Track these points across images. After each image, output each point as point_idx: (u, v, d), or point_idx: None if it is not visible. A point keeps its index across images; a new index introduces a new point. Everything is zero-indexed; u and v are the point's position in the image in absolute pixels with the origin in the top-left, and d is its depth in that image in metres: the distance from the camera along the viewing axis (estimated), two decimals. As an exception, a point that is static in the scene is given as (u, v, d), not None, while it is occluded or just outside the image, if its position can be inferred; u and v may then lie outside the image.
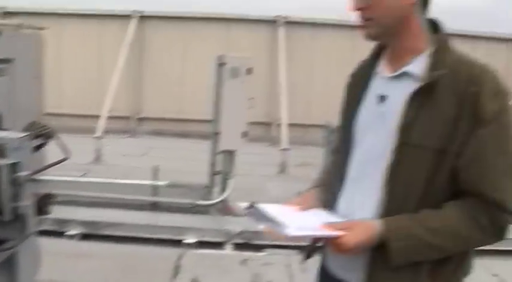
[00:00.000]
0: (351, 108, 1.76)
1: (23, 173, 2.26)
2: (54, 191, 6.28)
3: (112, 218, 5.85)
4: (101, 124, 10.40)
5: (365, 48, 1.89)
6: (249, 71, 5.93)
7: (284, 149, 9.65)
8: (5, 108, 5.81)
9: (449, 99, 1.51)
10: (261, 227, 1.63)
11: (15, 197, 2.25)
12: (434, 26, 1.66)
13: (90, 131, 10.50)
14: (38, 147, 2.77)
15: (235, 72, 5.91)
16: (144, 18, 13.15)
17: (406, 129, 1.55)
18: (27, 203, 2.28)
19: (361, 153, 1.69)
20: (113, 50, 12.80)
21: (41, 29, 8.30)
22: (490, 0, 26.46)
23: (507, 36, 13.44)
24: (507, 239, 1.63)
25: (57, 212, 5.49)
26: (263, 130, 12.98)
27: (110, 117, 12.00)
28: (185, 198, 6.32)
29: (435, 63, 1.56)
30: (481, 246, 1.59)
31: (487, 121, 1.49)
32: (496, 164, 1.51)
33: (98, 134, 9.96)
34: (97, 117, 10.94)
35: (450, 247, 1.55)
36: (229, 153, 6.28)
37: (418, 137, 1.53)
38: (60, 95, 13.03)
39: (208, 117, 6.51)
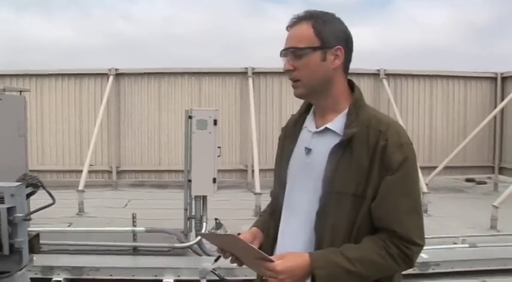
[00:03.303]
0: (284, 158, 2.00)
1: (18, 215, 2.79)
2: (42, 241, 6.68)
3: (95, 263, 6.22)
4: (83, 178, 10.78)
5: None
6: (215, 122, 6.46)
7: (257, 194, 9.94)
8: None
9: (363, 151, 1.77)
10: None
11: (12, 234, 2.77)
12: (351, 86, 1.92)
13: (73, 185, 10.94)
14: (29, 194, 3.31)
15: (202, 124, 6.44)
16: (120, 75, 13.72)
17: (329, 180, 1.79)
18: (22, 239, 2.81)
19: (292, 199, 1.92)
20: (92, 106, 13.50)
21: (24, 91, 8.88)
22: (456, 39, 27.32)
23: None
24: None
25: (44, 259, 5.94)
26: (240, 176, 13.67)
27: (91, 172, 12.46)
28: (163, 243, 6.76)
29: (351, 121, 1.82)
30: (394, 272, 1.85)
31: (394, 170, 1.74)
32: (400, 204, 1.74)
33: (81, 187, 10.34)
34: (79, 172, 11.41)
35: (367, 273, 1.75)
36: (202, 199, 6.74)
37: (339, 185, 1.77)
38: (43, 152, 13.51)
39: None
